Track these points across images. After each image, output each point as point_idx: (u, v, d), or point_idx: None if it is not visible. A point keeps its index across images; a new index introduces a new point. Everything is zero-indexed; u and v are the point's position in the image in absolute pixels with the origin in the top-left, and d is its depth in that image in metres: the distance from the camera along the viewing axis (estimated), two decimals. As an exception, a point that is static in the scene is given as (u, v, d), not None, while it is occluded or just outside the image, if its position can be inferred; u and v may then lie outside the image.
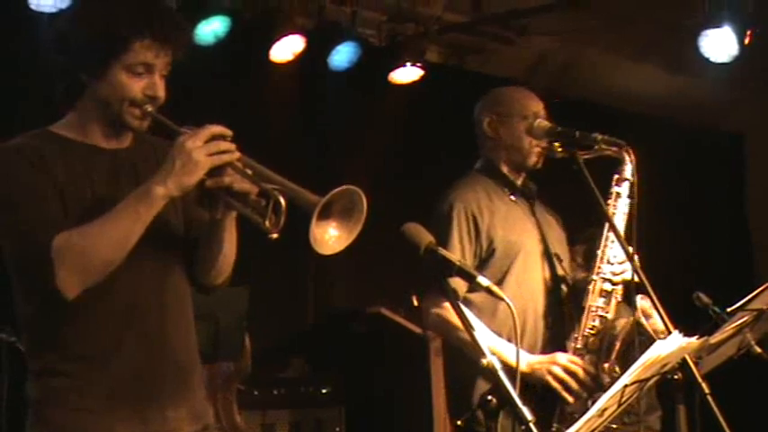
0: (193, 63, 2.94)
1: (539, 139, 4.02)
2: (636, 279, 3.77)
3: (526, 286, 3.98)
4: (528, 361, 3.83)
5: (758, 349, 4.05)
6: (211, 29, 5.75)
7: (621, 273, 3.96)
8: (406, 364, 6.39)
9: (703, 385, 3.49)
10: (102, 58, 2.76)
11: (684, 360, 3.42)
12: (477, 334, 2.85)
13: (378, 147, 6.76)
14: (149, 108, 2.80)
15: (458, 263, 2.92)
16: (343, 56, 6.40)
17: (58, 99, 2.88)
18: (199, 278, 2.98)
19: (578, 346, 3.92)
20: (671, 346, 3.11)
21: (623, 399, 3.06)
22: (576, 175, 3.87)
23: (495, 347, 3.62)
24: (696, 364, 3.52)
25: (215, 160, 2.70)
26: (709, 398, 3.47)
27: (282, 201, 2.66)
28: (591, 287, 3.97)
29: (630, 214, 3.96)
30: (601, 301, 3.96)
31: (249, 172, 2.73)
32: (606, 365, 3.89)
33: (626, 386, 3.02)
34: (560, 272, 4.07)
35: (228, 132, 2.74)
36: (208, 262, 2.94)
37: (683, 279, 5.30)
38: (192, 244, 2.94)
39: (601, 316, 3.95)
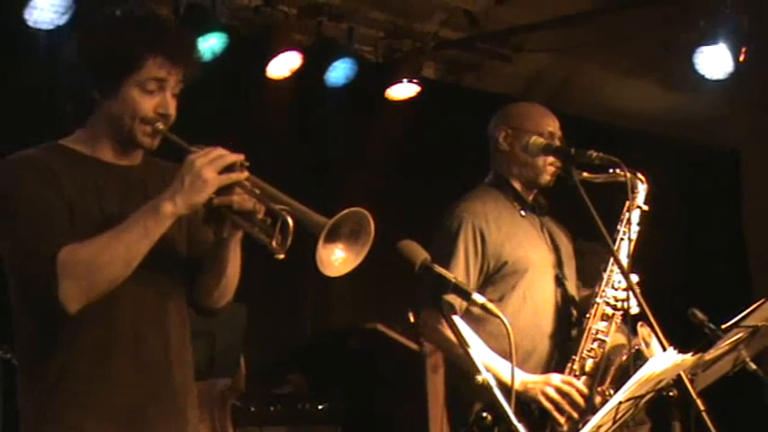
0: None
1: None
2: (636, 310, 3.78)
3: (534, 303, 3.96)
4: (522, 379, 3.80)
5: (753, 366, 4.05)
6: (208, 45, 5.76)
7: (623, 300, 3.93)
8: (402, 380, 6.37)
9: (698, 402, 3.49)
10: (115, 75, 2.77)
11: (680, 377, 3.42)
12: (472, 350, 2.85)
13: (375, 163, 6.76)
14: (160, 126, 2.81)
15: (453, 280, 2.90)
16: (339, 72, 6.42)
17: (68, 117, 2.87)
18: (200, 300, 2.97)
19: (575, 367, 3.91)
20: (666, 362, 3.11)
21: (618, 415, 3.07)
22: (572, 193, 3.87)
23: (489, 364, 3.60)
24: (691, 380, 3.52)
25: (224, 179, 2.70)
26: (705, 415, 3.47)
27: (290, 221, 2.65)
28: (593, 310, 3.95)
29: (637, 241, 3.95)
30: (601, 325, 3.95)
31: (257, 191, 2.72)
32: (600, 388, 3.89)
33: (621, 403, 3.03)
34: (570, 290, 4.06)
35: (241, 157, 2.74)
36: (210, 284, 2.93)
37: (680, 295, 5.29)
38: (194, 266, 2.93)
39: (600, 339, 3.94)
